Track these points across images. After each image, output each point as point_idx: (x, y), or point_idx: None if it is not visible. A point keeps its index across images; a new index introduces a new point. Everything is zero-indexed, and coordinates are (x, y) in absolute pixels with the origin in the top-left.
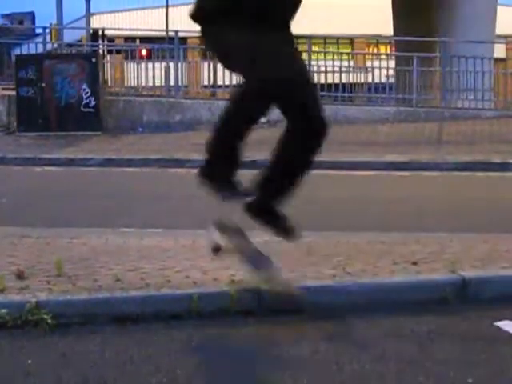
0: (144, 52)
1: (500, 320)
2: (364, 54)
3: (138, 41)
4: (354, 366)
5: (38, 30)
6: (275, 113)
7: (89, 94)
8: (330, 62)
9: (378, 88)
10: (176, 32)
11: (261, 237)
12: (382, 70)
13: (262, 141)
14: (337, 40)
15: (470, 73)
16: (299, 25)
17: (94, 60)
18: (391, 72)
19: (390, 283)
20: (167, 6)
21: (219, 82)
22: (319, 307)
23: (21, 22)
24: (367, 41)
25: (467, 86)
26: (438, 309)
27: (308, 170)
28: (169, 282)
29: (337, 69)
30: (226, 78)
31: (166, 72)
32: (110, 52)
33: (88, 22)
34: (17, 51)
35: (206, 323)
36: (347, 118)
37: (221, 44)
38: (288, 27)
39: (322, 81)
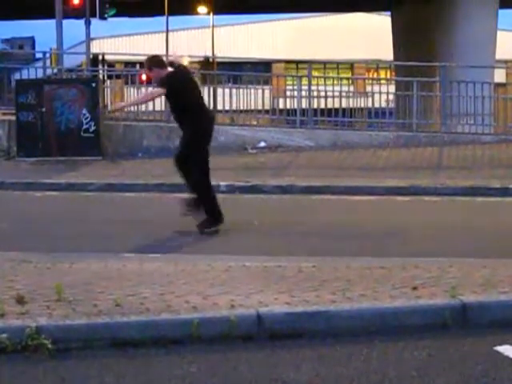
0: (144, 77)
1: (500, 345)
2: (364, 79)
3: (138, 66)
4: None
5: (38, 55)
6: (275, 139)
7: (89, 119)
8: (330, 87)
9: (378, 113)
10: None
11: (261, 262)
12: (382, 94)
13: (261, 167)
14: (337, 65)
15: (470, 98)
16: (300, 50)
17: (94, 85)
18: (391, 97)
19: (390, 308)
20: (167, 31)
21: (219, 107)
22: (319, 332)
23: (21, 47)
24: (367, 66)
25: (467, 111)
26: (437, 333)
27: None
28: (169, 306)
29: (337, 94)
30: (226, 102)
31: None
32: (110, 77)
33: (88, 47)
34: (17, 76)
35: (207, 348)
36: (347, 143)
37: None
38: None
39: (322, 106)
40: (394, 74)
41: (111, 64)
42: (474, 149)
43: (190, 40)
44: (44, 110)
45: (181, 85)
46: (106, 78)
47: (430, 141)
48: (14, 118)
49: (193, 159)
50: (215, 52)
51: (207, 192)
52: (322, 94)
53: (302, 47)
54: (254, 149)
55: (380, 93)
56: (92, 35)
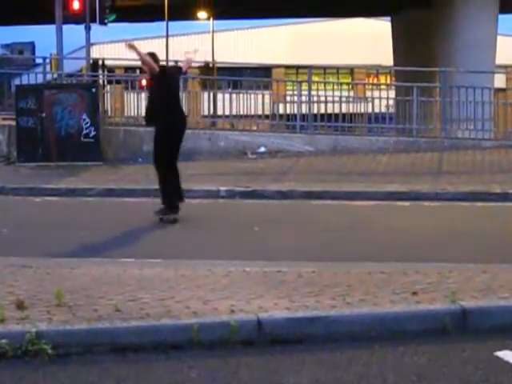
0: (144, 82)
1: (500, 350)
2: (364, 84)
3: (138, 71)
4: None
5: (38, 60)
6: (275, 144)
7: (89, 124)
8: (330, 92)
9: (378, 118)
10: (176, 62)
11: (261, 267)
12: (382, 100)
13: (261, 172)
14: (337, 70)
15: (470, 103)
16: (300, 55)
17: (94, 90)
18: (391, 102)
19: (390, 313)
20: (167, 37)
21: (219, 112)
22: (319, 337)
23: (21, 52)
24: (367, 71)
25: (467, 116)
26: (437, 339)
27: None
28: (169, 312)
29: (337, 99)
30: (226, 108)
31: None
32: (110, 82)
33: (88, 52)
34: (17, 81)
35: (207, 353)
36: (347, 148)
37: None
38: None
39: (322, 111)
40: (393, 79)
41: (111, 69)
42: (474, 154)
43: (190, 45)
44: (44, 115)
45: (164, 75)
46: (105, 83)
47: (430, 146)
48: (14, 123)
49: (163, 154)
50: (215, 57)
51: (167, 188)
52: (322, 99)
53: (302, 52)
54: (254, 154)
55: (380, 98)
56: (92, 40)
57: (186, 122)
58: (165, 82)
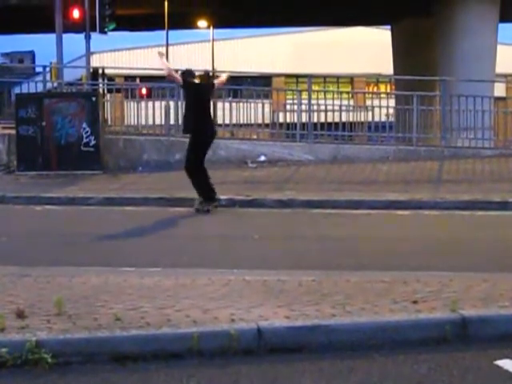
0: (144, 91)
1: (500, 359)
2: (364, 93)
3: (138, 80)
4: None
5: (38, 69)
6: (275, 153)
7: (89, 133)
8: (330, 101)
9: (378, 127)
10: (176, 71)
11: (261, 276)
12: (382, 108)
13: (261, 181)
14: (337, 79)
15: (470, 112)
16: (300, 64)
17: (94, 99)
18: (391, 111)
19: (390, 322)
20: (167, 45)
21: (219, 121)
22: (319, 346)
23: (21, 61)
24: (367, 80)
25: (467, 125)
26: (438, 347)
27: None
28: (169, 321)
29: (337, 108)
30: (226, 116)
31: (166, 111)
32: (110, 91)
33: (88, 61)
34: (17, 90)
35: (207, 362)
36: (347, 157)
37: None
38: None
39: (322, 120)
40: (393, 88)
41: (111, 78)
42: (473, 163)
43: (190, 54)
44: (44, 123)
45: (192, 89)
46: (106, 91)
47: (429, 155)
48: (14, 131)
49: (191, 159)
50: (215, 66)
51: (198, 178)
52: (322, 107)
53: (302, 61)
54: (254, 163)
55: (380, 107)
56: (92, 49)
57: (214, 129)
58: (195, 94)
